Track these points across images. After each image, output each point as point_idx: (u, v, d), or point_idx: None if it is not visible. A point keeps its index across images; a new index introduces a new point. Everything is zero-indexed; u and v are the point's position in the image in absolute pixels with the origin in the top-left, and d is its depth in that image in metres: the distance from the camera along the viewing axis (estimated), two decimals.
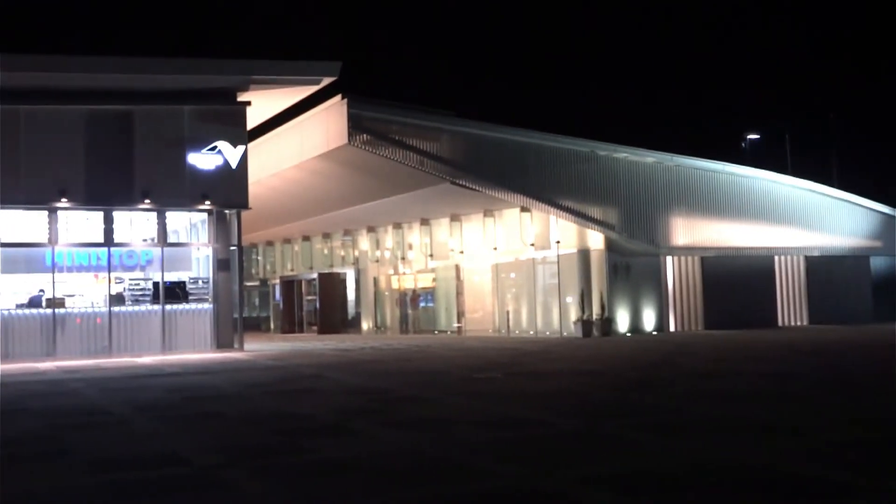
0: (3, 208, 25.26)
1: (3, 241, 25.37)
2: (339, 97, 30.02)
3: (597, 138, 32.07)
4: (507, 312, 33.54)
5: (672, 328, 32.50)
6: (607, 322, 30.48)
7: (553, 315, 31.99)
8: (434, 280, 36.85)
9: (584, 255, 31.50)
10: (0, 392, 17.55)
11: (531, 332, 32.43)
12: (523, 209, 31.88)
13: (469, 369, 19.37)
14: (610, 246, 31.28)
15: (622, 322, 31.31)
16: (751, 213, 33.92)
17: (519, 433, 10.99)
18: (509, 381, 17.01)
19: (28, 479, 9.15)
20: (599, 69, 63.12)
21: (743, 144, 49.43)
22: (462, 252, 34.85)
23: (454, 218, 34.92)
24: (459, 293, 35.74)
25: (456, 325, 35.61)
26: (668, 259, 32.81)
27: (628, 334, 30.91)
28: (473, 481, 8.48)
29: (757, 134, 49.49)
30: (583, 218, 30.66)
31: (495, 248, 33.51)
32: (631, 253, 31.57)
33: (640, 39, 65.94)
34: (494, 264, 34.18)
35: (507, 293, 34.17)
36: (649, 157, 32.50)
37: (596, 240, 31.37)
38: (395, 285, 38.68)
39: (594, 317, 30.41)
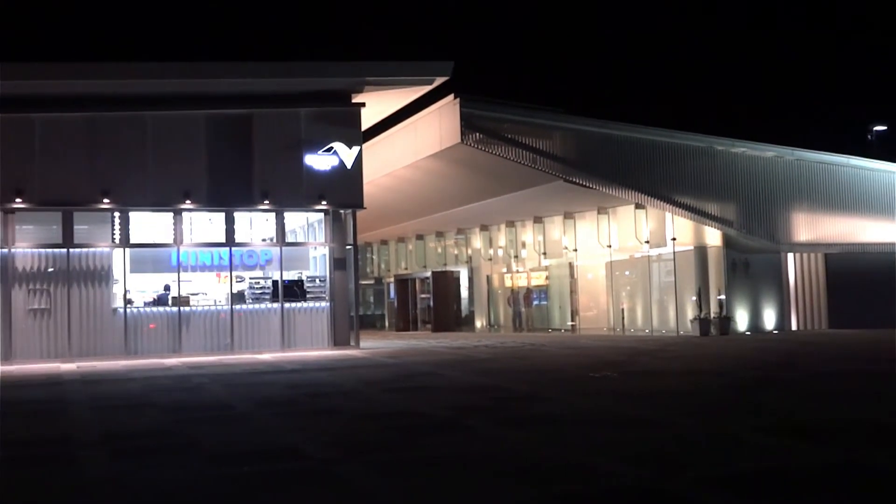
0: (132, 210, 26.30)
1: (133, 241, 26.40)
2: (451, 97, 30.16)
3: (714, 133, 31.35)
4: (622, 311, 33.12)
5: (794, 327, 31.52)
6: (725, 320, 29.77)
7: (669, 313, 31.43)
8: (547, 278, 36.67)
9: (701, 252, 30.85)
10: (130, 387, 18.29)
11: (646, 331, 31.94)
12: (638, 206, 31.41)
13: (584, 368, 19.20)
14: (728, 243, 30.54)
15: (741, 320, 30.53)
16: (877, 207, 32.59)
17: (637, 433, 10.84)
18: (625, 380, 16.78)
19: (157, 470, 9.50)
20: (714, 62, 61.71)
21: (869, 136, 47.51)
22: (575, 250, 34.57)
23: (567, 215, 34.67)
24: (573, 291, 35.47)
25: (570, 323, 35.36)
26: (790, 256, 31.83)
27: (747, 333, 30.12)
28: (592, 481, 8.40)
29: (884, 125, 47.49)
30: (699, 214, 30.01)
31: (609, 246, 33.13)
32: (750, 250, 30.74)
33: (757, 30, 64.17)
34: (609, 262, 33.79)
35: (622, 291, 33.74)
36: (769, 152, 31.59)
37: (713, 236, 30.68)
38: (508, 283, 38.66)
39: (712, 315, 29.75)
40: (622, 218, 32.74)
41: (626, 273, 33.80)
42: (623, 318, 32.92)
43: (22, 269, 25.33)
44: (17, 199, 24.95)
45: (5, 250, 25.14)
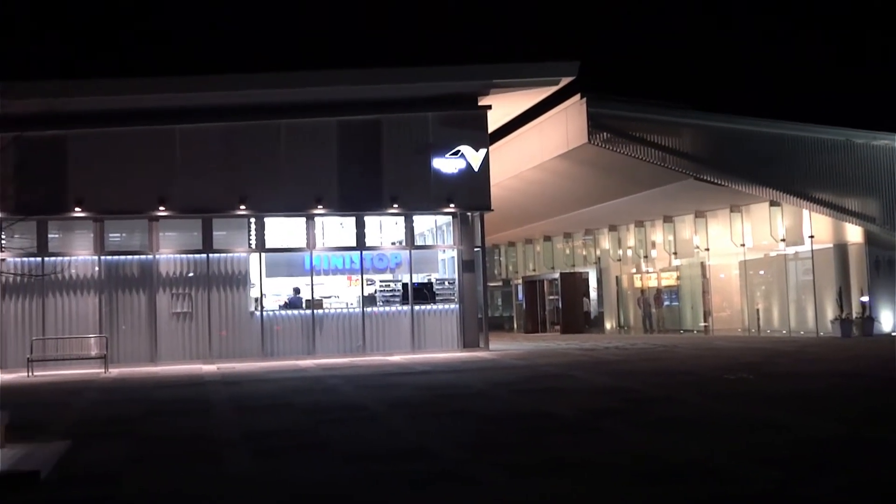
0: (267, 216, 27.13)
1: (268, 246, 27.22)
2: (577, 96, 29.94)
3: (852, 125, 30.11)
4: (757, 311, 32.16)
5: None
6: (869, 321, 28.52)
7: (807, 314, 30.35)
8: (678, 278, 35.95)
9: (841, 249, 29.67)
10: (268, 388, 18.86)
11: (783, 332, 30.92)
12: (772, 203, 30.44)
13: (718, 370, 18.75)
14: (870, 240, 29.26)
15: (886, 321, 29.19)
16: None
17: (775, 437, 10.54)
18: (762, 383, 16.31)
19: (295, 469, 9.78)
20: (848, 52, 59.26)
21: None
22: (707, 249, 33.76)
23: (698, 214, 33.91)
24: (705, 291, 34.66)
25: (702, 324, 34.57)
26: None
27: (893, 334, 28.80)
28: (729, 486, 8.22)
29: None
30: (838, 210, 28.85)
31: (743, 245, 32.23)
32: (894, 247, 29.38)
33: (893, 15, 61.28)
34: (742, 261, 32.89)
35: (757, 291, 32.77)
36: None
37: (854, 233, 29.45)
38: (637, 284, 38.09)
39: (854, 315, 28.56)
40: (756, 216, 31.81)
41: (761, 272, 32.79)
42: (758, 318, 31.96)
43: (165, 275, 26.45)
44: (161, 208, 26.07)
45: (150, 256, 26.31)
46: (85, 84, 25.57)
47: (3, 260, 25.00)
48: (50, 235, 25.86)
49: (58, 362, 24.51)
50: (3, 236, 22.61)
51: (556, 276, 40.93)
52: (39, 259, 25.41)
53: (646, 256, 37.08)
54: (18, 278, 24.64)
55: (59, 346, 25.20)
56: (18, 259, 25.31)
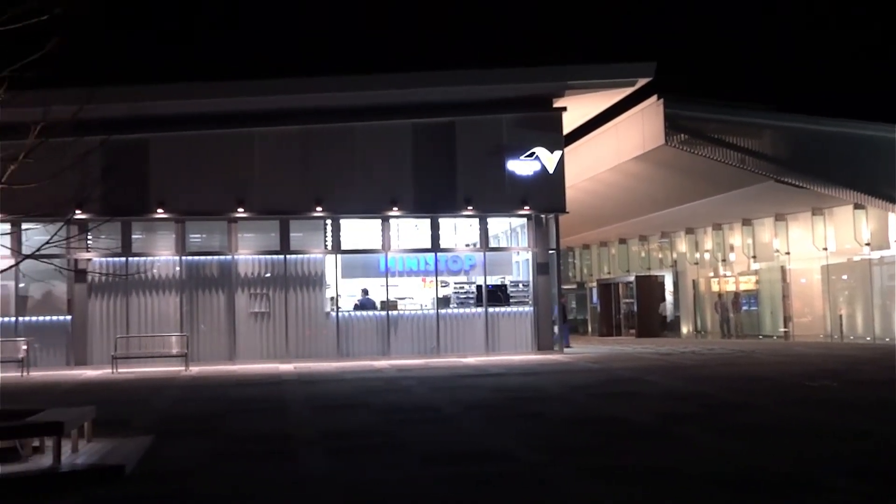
0: (342, 218, 27.42)
1: (343, 248, 27.50)
2: (654, 97, 29.62)
3: None
4: (840, 317, 31.37)
5: None
6: None
7: (893, 320, 29.49)
8: (757, 282, 35.27)
9: None
10: (343, 388, 19.05)
11: (867, 339, 30.10)
12: (857, 206, 29.68)
13: (799, 376, 18.35)
14: None
15: None
16: None
17: (859, 446, 10.28)
18: (847, 391, 15.92)
19: (371, 469, 9.86)
20: None
21: None
22: (788, 253, 33.08)
23: (779, 217, 33.23)
24: (785, 296, 33.93)
25: (782, 329, 33.85)
26: None
27: None
28: (810, 495, 8.04)
29: None
30: None
31: (825, 249, 31.49)
32: None
33: None
34: (824, 265, 32.12)
35: (840, 296, 31.95)
36: None
37: None
38: (715, 288, 37.49)
39: None
40: (839, 219, 31.05)
41: (844, 277, 31.98)
42: (841, 324, 31.17)
43: (244, 275, 26.91)
44: (239, 209, 26.53)
45: (229, 257, 26.79)
46: (168, 88, 26.21)
47: (90, 260, 25.73)
48: (133, 236, 26.52)
49: (140, 360, 25.12)
50: (89, 237, 23.25)
51: (632, 279, 40.52)
52: (124, 259, 26.08)
53: (724, 260, 36.49)
54: (104, 278, 25.32)
55: (142, 344, 25.82)
56: (104, 259, 26.00)
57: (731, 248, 36.11)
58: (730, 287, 36.51)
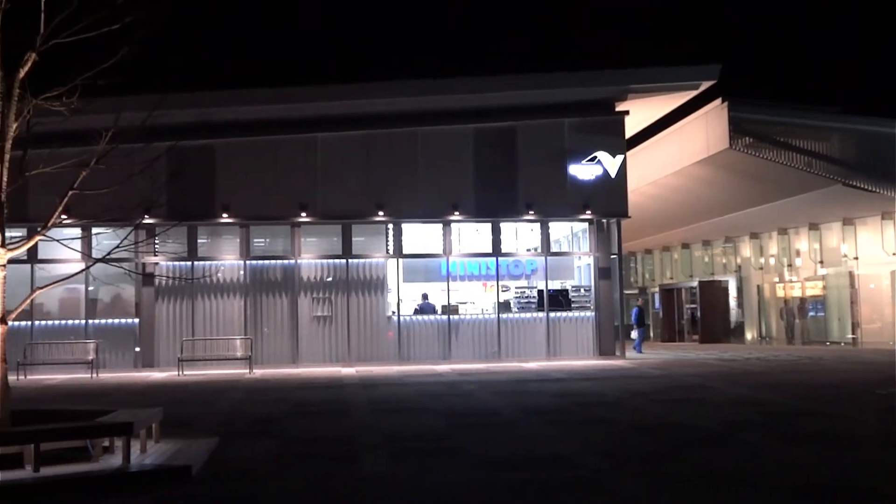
0: (404, 222, 27.56)
1: (405, 252, 27.64)
2: (718, 100, 29.27)
3: None
4: None
5: None
6: None
7: None
8: (824, 288, 34.61)
9: None
10: (405, 391, 19.14)
11: None
12: None
13: (868, 384, 17.96)
14: None
15: None
16: None
17: None
18: None
19: (433, 473, 9.89)
20: None
21: None
22: (856, 258, 32.38)
23: (847, 222, 32.56)
24: (853, 302, 33.23)
25: (850, 336, 33.14)
26: None
27: None
28: None
29: None
30: None
31: (895, 254, 30.77)
32: None
33: None
34: (894, 270, 31.38)
35: None
36: None
37: None
38: (780, 293, 36.86)
39: None
40: None
41: None
42: None
43: (307, 279, 27.19)
44: (302, 214, 26.82)
45: (292, 261, 27.10)
46: (234, 94, 26.62)
47: (157, 264, 26.23)
48: (199, 240, 26.96)
49: (205, 362, 25.53)
50: (157, 241, 23.71)
51: (695, 284, 40.05)
52: (190, 263, 26.53)
53: (789, 265, 35.87)
54: (171, 281, 25.79)
55: (207, 346, 26.24)
56: (171, 263, 26.50)
57: (798, 253, 35.48)
58: (796, 293, 35.87)
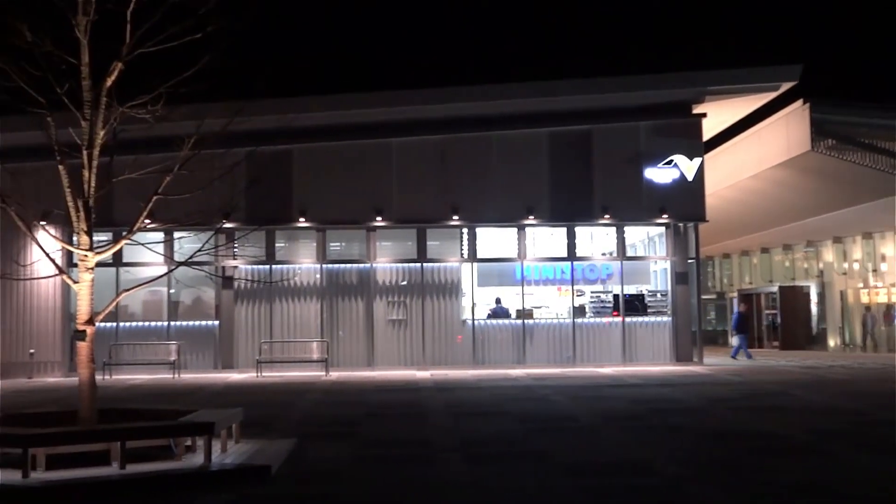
0: (478, 226, 27.57)
1: (479, 256, 27.64)
2: (799, 102, 28.65)
3: None
4: None
5: None
6: None
7: None
8: None
9: None
10: (480, 395, 19.13)
11: None
12: None
13: None
14: None
15: None
16: None
17: None
18: None
19: (511, 477, 9.87)
20: None
21: None
22: None
23: None
24: None
25: None
26: None
27: None
28: None
29: None
30: None
31: None
32: None
33: None
34: None
35: None
36: None
37: None
38: (864, 299, 35.90)
39: None
40: None
41: None
42: None
43: (382, 283, 27.37)
44: (378, 218, 27.02)
45: (368, 265, 27.32)
46: (312, 100, 26.93)
47: (236, 267, 26.69)
48: (277, 244, 27.35)
49: (283, 364, 25.87)
50: (236, 245, 24.14)
51: (775, 289, 39.23)
52: (268, 266, 26.93)
53: (874, 270, 34.91)
54: (250, 284, 26.23)
55: (284, 349, 26.59)
56: (250, 266, 26.93)
57: (883, 258, 34.52)
58: (881, 299, 34.91)
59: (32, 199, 12.32)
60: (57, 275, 12.01)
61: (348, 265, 27.48)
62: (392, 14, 64.83)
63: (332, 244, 27.84)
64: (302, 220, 26.86)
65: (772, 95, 28.18)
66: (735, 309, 32.91)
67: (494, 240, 28.12)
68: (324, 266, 27.27)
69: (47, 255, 11.55)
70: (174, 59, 11.41)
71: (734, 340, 31.22)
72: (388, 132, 27.44)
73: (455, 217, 27.05)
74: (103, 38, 11.29)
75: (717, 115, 28.74)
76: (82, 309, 11.20)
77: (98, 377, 11.26)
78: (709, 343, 38.25)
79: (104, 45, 11.29)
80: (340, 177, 27.12)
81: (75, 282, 11.26)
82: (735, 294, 43.07)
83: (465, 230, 27.51)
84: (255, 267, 26.94)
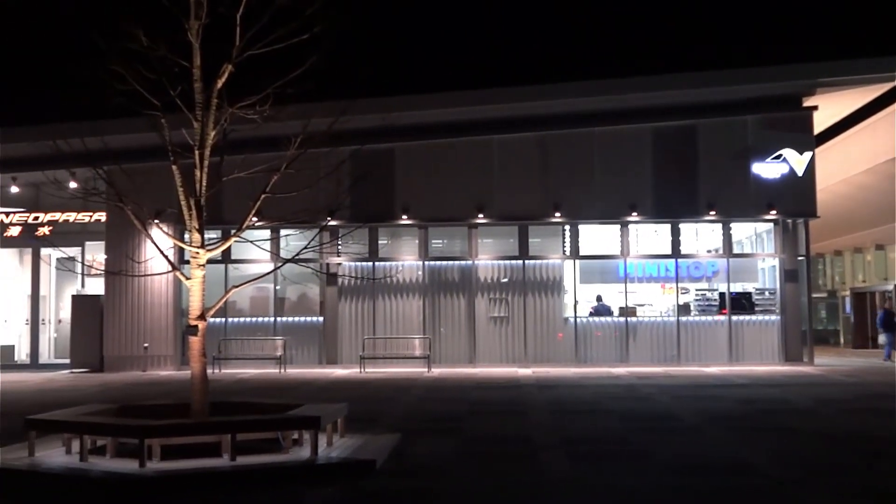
0: (580, 223, 27.37)
1: (582, 253, 27.45)
2: None
3: None
4: None
5: None
6: None
7: None
8: None
9: None
10: (582, 393, 19.03)
11: None
12: None
13: None
14: None
15: None
16: None
17: None
18: None
19: (614, 476, 9.81)
20: None
21: None
22: None
23: None
24: None
25: None
26: None
27: None
28: None
29: None
30: None
31: None
32: None
33: None
34: None
35: None
36: None
37: None
38: None
39: None
40: None
41: None
42: None
43: (483, 280, 27.44)
44: (479, 215, 27.08)
45: (470, 262, 27.42)
46: (415, 99, 27.18)
47: (340, 264, 27.14)
48: (380, 241, 27.68)
49: (386, 360, 26.20)
50: (340, 242, 24.54)
51: (891, 288, 37.82)
52: (371, 263, 27.30)
53: None
54: (353, 281, 26.63)
55: (387, 345, 26.91)
56: (353, 263, 27.35)
57: None
58: None
59: (147, 198, 12.78)
60: (170, 271, 12.41)
61: (450, 262, 27.63)
62: (491, 12, 64.86)
63: (434, 241, 28.02)
64: (404, 217, 27.12)
65: (887, 87, 27.17)
66: (882, 308, 31.25)
67: (597, 236, 27.87)
68: (426, 263, 27.48)
69: (161, 252, 11.95)
70: (281, 60, 11.67)
71: (882, 339, 29.93)
72: (490, 129, 27.46)
73: (557, 214, 26.91)
74: (214, 41, 11.63)
75: (828, 107, 27.86)
76: (194, 304, 11.56)
77: (208, 371, 11.60)
78: (819, 343, 37.15)
79: (215, 48, 11.63)
80: (442, 174, 27.28)
81: (187, 278, 11.63)
82: (847, 292, 41.72)
83: (566, 227, 27.35)
84: (358, 264, 27.33)
